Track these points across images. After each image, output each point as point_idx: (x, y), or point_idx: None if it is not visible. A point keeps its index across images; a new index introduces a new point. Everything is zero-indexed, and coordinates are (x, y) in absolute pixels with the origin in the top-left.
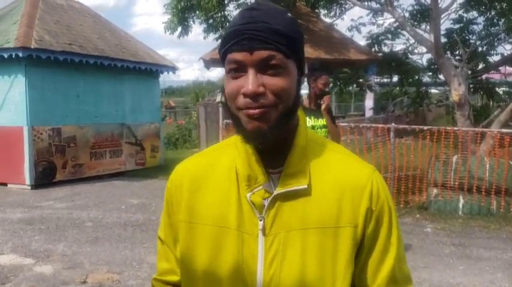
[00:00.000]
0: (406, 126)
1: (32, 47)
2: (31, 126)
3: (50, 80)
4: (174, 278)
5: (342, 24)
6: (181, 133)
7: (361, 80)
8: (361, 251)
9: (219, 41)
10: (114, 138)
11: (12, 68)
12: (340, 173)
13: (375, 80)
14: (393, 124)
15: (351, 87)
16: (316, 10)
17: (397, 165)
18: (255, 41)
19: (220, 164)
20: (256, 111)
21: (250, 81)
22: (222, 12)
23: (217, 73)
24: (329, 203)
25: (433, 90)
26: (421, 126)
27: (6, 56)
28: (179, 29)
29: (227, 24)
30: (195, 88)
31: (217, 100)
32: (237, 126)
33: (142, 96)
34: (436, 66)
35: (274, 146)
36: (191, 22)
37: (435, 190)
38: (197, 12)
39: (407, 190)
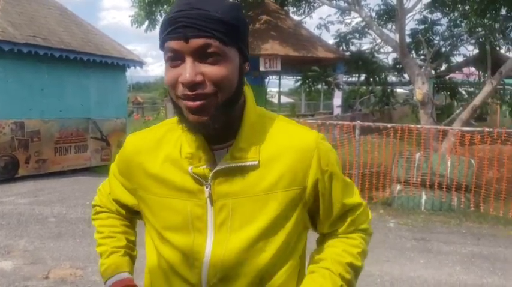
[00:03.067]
0: (371, 124)
1: None
2: None
3: (13, 72)
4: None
5: (311, 23)
6: None
7: (329, 79)
8: (318, 205)
9: None
10: (79, 133)
11: None
12: (288, 141)
13: (343, 79)
14: (358, 122)
15: (319, 86)
16: (285, 7)
17: (362, 162)
18: (190, 29)
19: (167, 140)
20: (196, 103)
21: (187, 70)
22: None
23: None
24: (278, 170)
25: (399, 90)
26: (385, 124)
27: None
28: (146, 22)
29: None
30: (164, 84)
31: None
32: (179, 115)
33: (108, 91)
34: (401, 65)
35: (217, 131)
36: (158, 16)
37: (398, 186)
38: (165, 6)
39: (371, 186)
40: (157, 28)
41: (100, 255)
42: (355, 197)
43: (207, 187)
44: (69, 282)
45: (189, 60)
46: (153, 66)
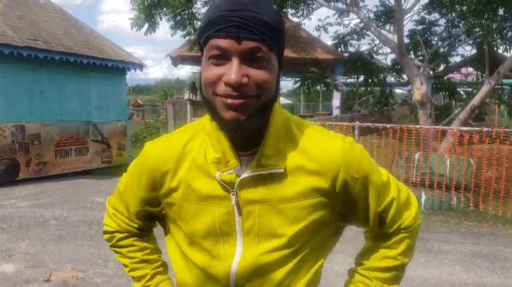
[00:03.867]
0: (370, 124)
1: None
2: None
3: (13, 76)
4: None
5: (309, 24)
6: (149, 131)
7: (328, 80)
8: (352, 209)
9: (187, 38)
10: (79, 136)
11: None
12: (314, 149)
13: (342, 80)
14: (357, 122)
15: (318, 87)
16: (284, 9)
17: None
18: (243, 30)
19: (191, 146)
20: (237, 101)
21: (234, 70)
22: (190, 10)
23: (185, 71)
24: (304, 179)
25: (398, 90)
26: (384, 125)
27: None
28: (146, 25)
29: (194, 21)
30: (164, 86)
31: (185, 98)
32: (213, 113)
33: (108, 93)
34: (399, 66)
35: (249, 133)
36: (158, 19)
37: None
38: (164, 9)
39: None
40: (157, 31)
41: (138, 279)
42: (391, 192)
43: (233, 194)
44: (70, 285)
45: (236, 61)
46: (153, 68)
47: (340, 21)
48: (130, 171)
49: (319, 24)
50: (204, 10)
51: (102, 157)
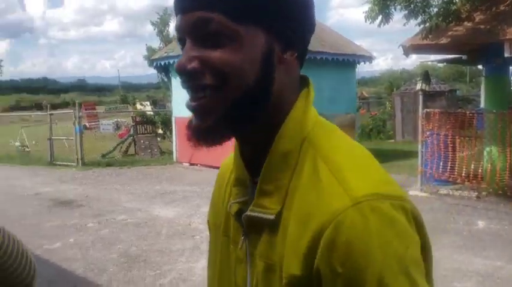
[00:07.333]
0: None
1: None
2: None
3: None
4: None
5: None
6: (375, 124)
7: None
8: None
9: (421, 26)
10: None
11: None
12: (315, 197)
13: None
14: None
15: None
16: None
17: None
18: (187, 0)
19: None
20: (194, 103)
21: (182, 54)
22: None
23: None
24: (289, 240)
25: None
26: None
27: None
28: (379, 17)
29: (430, 9)
30: (389, 78)
31: (417, 88)
32: None
33: (339, 87)
34: None
35: (248, 146)
36: (392, 9)
37: None
38: None
39: None
40: (391, 22)
41: None
42: None
43: (243, 235)
44: None
45: (187, 43)
46: (378, 60)
47: None
48: None
49: None
50: None
51: None
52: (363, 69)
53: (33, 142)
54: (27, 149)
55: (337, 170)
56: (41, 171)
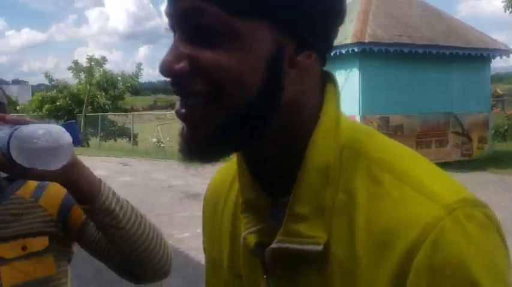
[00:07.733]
0: None
1: (366, 41)
2: (362, 115)
3: (379, 71)
4: None
5: None
6: (511, 124)
7: None
8: None
9: None
10: (440, 127)
11: (348, 62)
12: (388, 215)
13: None
14: None
15: None
16: None
17: None
18: None
19: (233, 180)
20: (183, 111)
21: (168, 51)
22: None
23: None
24: (361, 276)
25: None
26: None
27: (344, 51)
28: None
29: None
30: None
31: None
32: None
33: (470, 83)
34: None
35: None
36: None
37: None
38: None
39: None
40: None
41: None
42: None
43: (265, 274)
44: None
45: (177, 35)
46: None
47: None
48: None
49: None
50: None
51: (462, 150)
52: (497, 65)
53: (168, 139)
54: (162, 145)
55: (409, 177)
56: (174, 165)
